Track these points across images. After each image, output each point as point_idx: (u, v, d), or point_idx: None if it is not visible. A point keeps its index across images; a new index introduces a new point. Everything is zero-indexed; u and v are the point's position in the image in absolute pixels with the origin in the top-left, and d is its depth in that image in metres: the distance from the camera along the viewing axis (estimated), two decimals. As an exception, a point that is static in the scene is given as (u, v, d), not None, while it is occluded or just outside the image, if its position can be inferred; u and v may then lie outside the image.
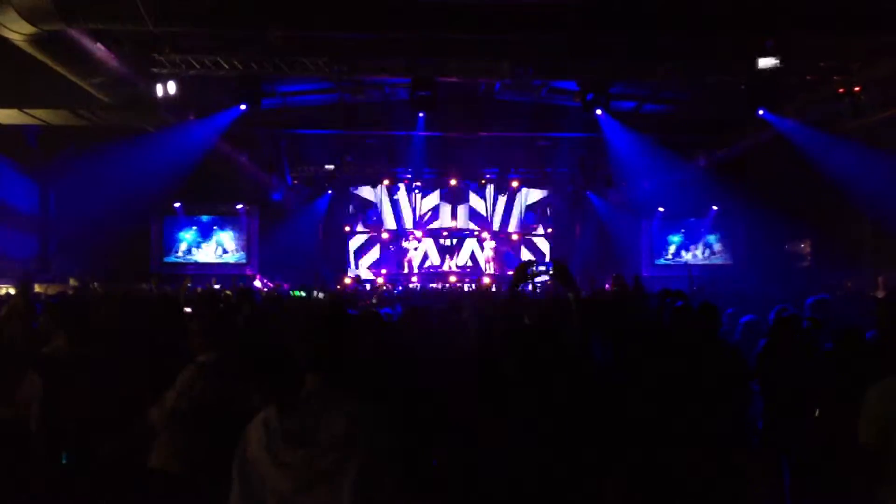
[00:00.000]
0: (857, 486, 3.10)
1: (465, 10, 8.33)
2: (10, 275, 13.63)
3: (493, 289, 14.63)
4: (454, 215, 22.29)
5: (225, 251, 20.84)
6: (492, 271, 21.39)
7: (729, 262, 21.45)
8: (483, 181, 21.05)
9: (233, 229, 20.89)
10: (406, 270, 21.50)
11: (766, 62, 10.06)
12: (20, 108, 11.24)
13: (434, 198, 22.13)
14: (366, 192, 22.09)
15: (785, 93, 12.05)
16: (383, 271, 21.32)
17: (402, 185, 21.73)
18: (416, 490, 2.64)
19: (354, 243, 22.35)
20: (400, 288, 17.52)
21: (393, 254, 22.11)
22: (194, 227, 20.76)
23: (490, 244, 22.10)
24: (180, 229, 20.68)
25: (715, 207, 20.84)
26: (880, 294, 9.57)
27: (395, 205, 22.13)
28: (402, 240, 22.01)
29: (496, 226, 22.19)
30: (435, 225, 22.35)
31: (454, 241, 22.21)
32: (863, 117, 11.59)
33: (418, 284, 19.63)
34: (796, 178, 16.22)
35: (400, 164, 19.51)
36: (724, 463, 3.25)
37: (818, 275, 17.61)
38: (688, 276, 16.62)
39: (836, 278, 15.27)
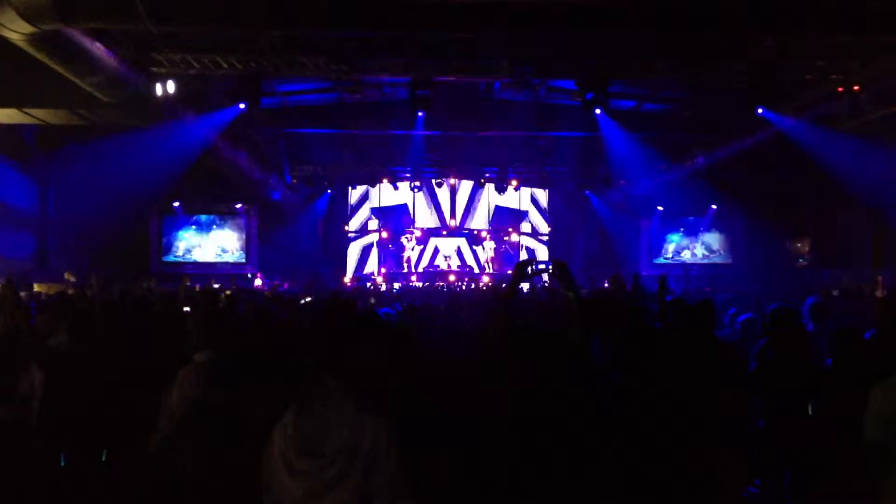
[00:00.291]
0: (858, 485, 3.11)
1: (465, 8, 8.31)
2: (8, 274, 13.62)
3: (493, 287, 14.64)
4: (452, 214, 22.32)
5: (224, 251, 20.83)
6: (491, 271, 21.40)
7: (728, 261, 21.48)
8: (482, 180, 21.06)
9: (232, 228, 20.89)
10: (406, 270, 21.50)
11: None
12: (19, 108, 11.23)
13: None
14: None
15: (784, 92, 12.06)
16: (382, 270, 21.33)
17: (401, 184, 21.73)
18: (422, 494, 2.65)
19: (354, 245, 22.38)
20: (398, 287, 17.52)
21: (392, 253, 22.13)
22: (193, 227, 20.75)
23: (490, 244, 22.13)
24: (179, 228, 20.67)
25: (714, 206, 20.87)
26: (879, 293, 9.59)
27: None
28: (401, 238, 22.02)
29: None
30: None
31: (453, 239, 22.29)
32: (862, 116, 11.61)
33: (420, 283, 19.62)
34: (795, 178, 16.26)
35: (399, 164, 19.50)
36: (718, 462, 3.25)
37: (817, 274, 17.65)
38: (685, 276, 16.66)
39: (835, 277, 15.31)
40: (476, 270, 21.59)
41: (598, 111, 12.09)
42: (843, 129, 12.28)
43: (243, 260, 20.63)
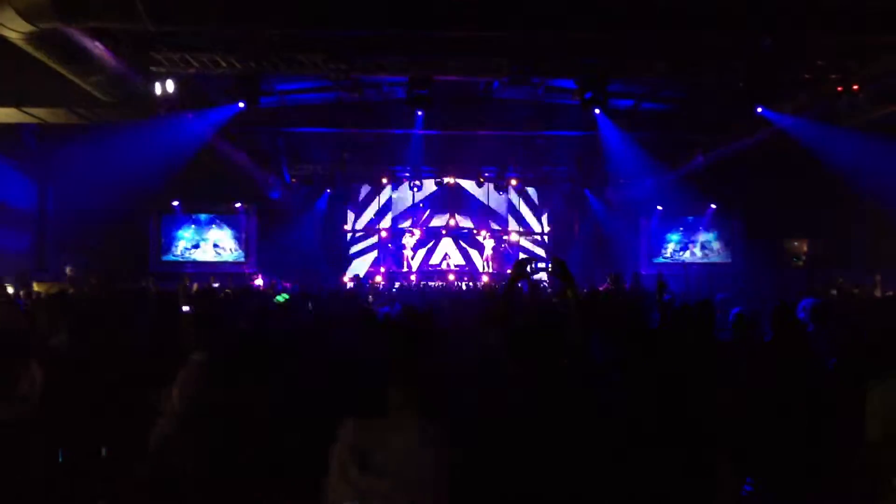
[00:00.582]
0: (858, 485, 3.11)
1: (464, 7, 8.30)
2: (6, 273, 13.61)
3: (492, 286, 14.63)
4: (452, 213, 22.31)
5: (223, 250, 20.82)
6: (491, 270, 21.40)
7: (727, 260, 21.49)
8: (481, 179, 21.07)
9: (231, 228, 20.87)
10: (405, 269, 21.50)
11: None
12: (18, 107, 11.22)
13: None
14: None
15: (783, 91, 12.07)
16: (382, 269, 21.32)
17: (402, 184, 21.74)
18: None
19: (354, 244, 22.38)
20: (397, 285, 17.51)
21: (392, 252, 22.12)
22: (192, 226, 20.74)
23: (489, 243, 22.12)
24: (178, 228, 20.66)
25: (713, 206, 20.87)
26: (877, 292, 9.59)
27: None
28: (400, 237, 22.01)
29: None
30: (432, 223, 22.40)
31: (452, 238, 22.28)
32: (861, 115, 11.61)
33: (420, 282, 19.61)
34: (794, 177, 16.27)
35: (398, 163, 19.49)
36: (718, 462, 3.25)
37: (815, 273, 17.66)
38: (685, 275, 16.65)
39: (833, 276, 15.31)
40: (478, 269, 21.59)
41: (597, 111, 12.08)
42: (843, 128, 12.29)
43: (242, 259, 20.62)
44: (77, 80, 9.65)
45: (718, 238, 21.83)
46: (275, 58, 10.64)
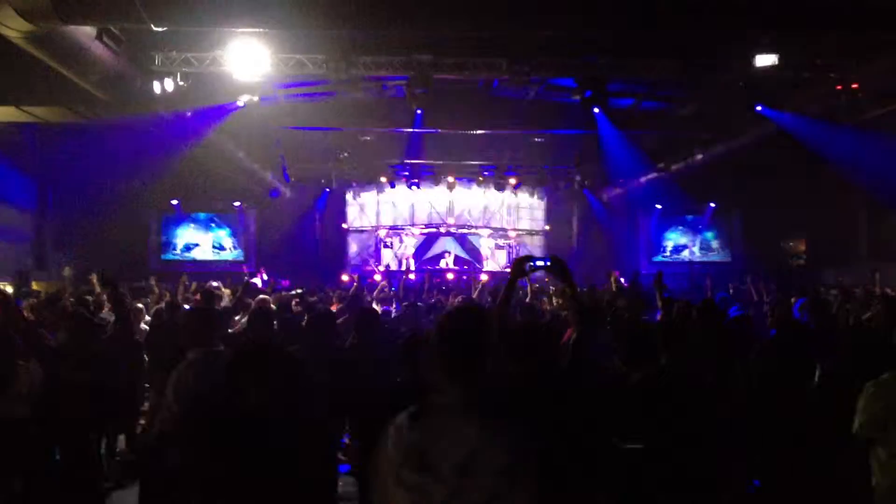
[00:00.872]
0: (856, 485, 3.12)
1: (463, 6, 8.29)
2: (6, 272, 13.62)
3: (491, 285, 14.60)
4: (451, 212, 22.30)
5: (223, 249, 20.83)
6: (490, 268, 21.39)
7: (726, 259, 21.50)
8: (480, 178, 21.05)
9: (231, 227, 20.88)
10: (404, 267, 21.48)
11: (764, 59, 10.06)
12: (17, 106, 11.20)
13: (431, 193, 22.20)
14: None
15: (783, 90, 12.06)
16: (381, 268, 21.30)
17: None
18: None
19: (353, 242, 22.36)
20: (396, 285, 17.45)
21: (391, 251, 22.11)
22: (192, 225, 20.75)
23: (489, 242, 22.10)
24: (178, 226, 20.66)
25: (713, 204, 20.88)
26: (877, 290, 9.56)
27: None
28: (400, 237, 22.00)
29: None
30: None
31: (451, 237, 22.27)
32: (860, 114, 11.61)
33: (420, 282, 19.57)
34: (793, 176, 16.27)
35: (397, 162, 19.48)
36: (718, 462, 3.26)
37: (814, 271, 17.67)
38: (689, 274, 16.64)
39: (832, 274, 15.33)
40: (478, 269, 21.59)
41: (596, 109, 12.07)
42: (842, 126, 12.29)
43: (242, 258, 20.63)
44: (76, 79, 9.63)
45: (718, 237, 21.84)
46: (274, 56, 10.63)
